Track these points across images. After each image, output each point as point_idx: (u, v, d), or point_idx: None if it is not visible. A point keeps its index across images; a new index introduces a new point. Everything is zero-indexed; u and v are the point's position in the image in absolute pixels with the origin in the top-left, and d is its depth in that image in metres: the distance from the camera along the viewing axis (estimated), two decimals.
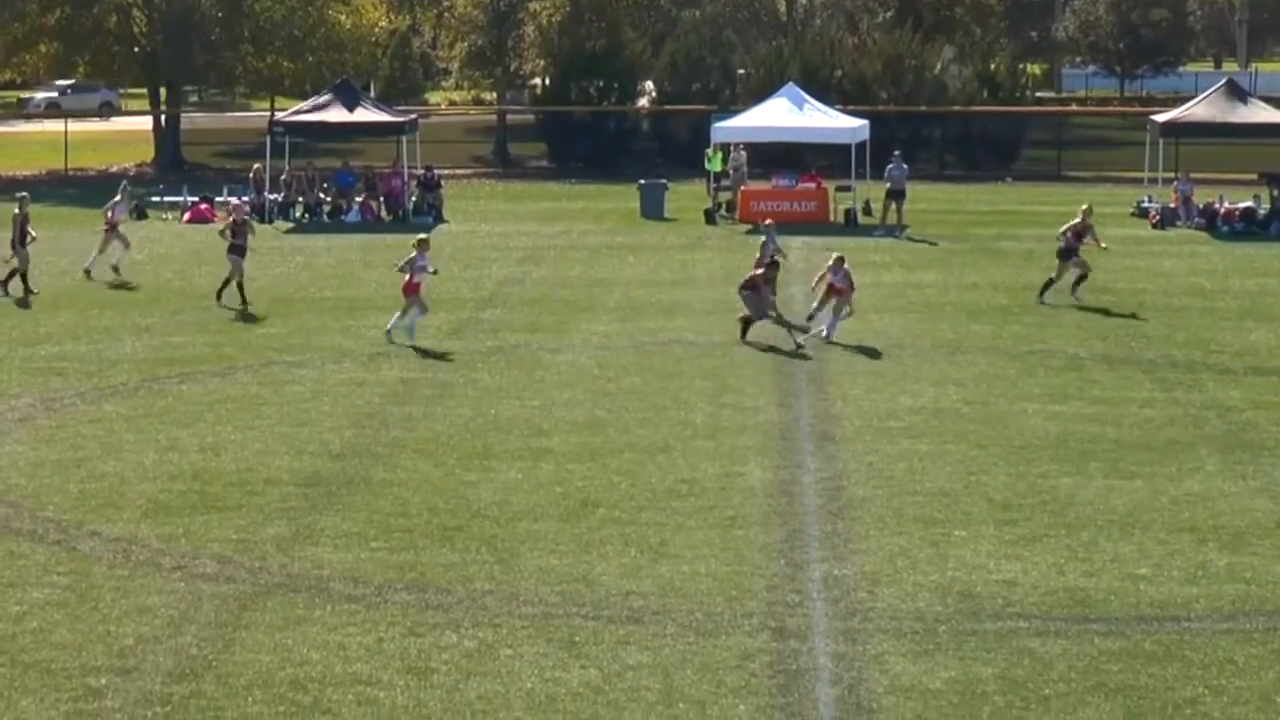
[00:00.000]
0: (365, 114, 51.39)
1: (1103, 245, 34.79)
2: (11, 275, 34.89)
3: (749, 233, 46.08)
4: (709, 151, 51.37)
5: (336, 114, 50.89)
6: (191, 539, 18.52)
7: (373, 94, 66.90)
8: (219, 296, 33.38)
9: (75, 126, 67.25)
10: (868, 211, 48.34)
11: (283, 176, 50.92)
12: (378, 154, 56.53)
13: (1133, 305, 33.55)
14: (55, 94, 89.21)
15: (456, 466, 21.47)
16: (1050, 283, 34.04)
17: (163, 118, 67.96)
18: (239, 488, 20.48)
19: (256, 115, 72.71)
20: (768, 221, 34.11)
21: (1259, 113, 50.33)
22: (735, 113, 54.50)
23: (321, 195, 50.53)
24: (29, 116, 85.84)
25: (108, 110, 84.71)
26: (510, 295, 35.23)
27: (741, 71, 71.08)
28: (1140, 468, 21.53)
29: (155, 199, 51.72)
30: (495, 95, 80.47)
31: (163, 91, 68.94)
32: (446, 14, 78.36)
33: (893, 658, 15.10)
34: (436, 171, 51.83)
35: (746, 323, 29.55)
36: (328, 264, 39.95)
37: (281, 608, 16.35)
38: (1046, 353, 28.99)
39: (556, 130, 68.48)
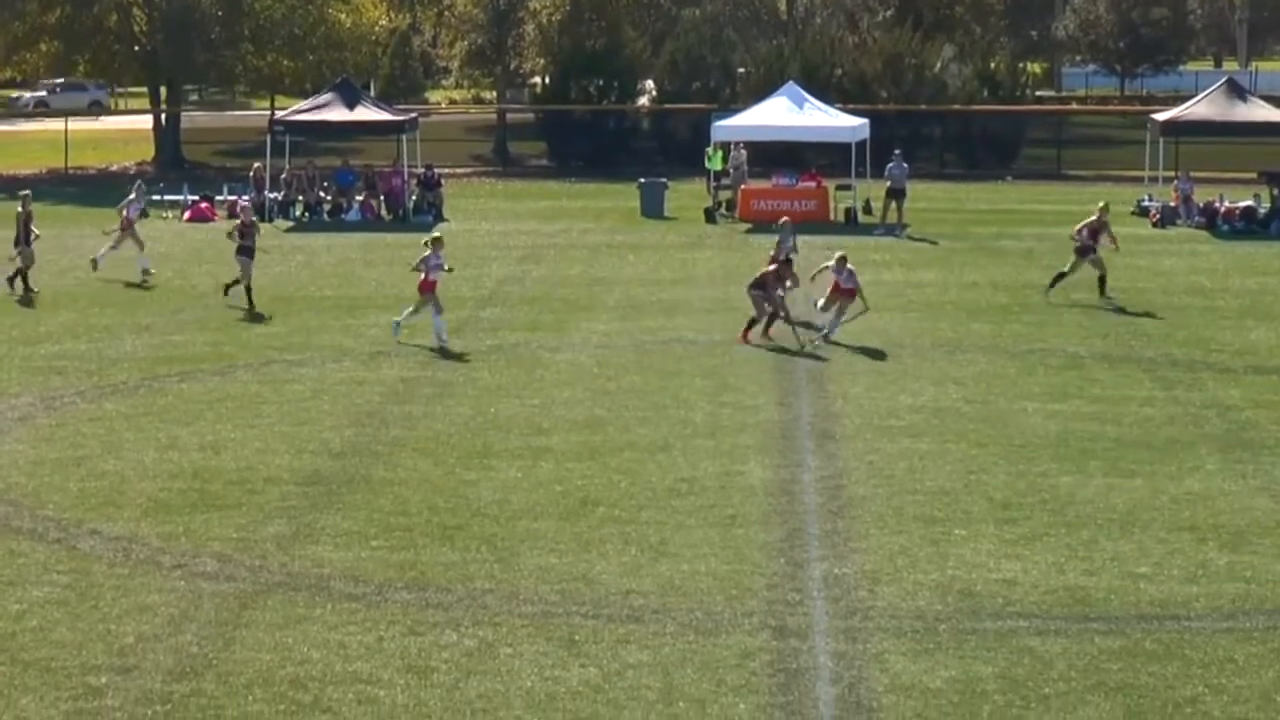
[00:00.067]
0: (365, 113, 51.40)
1: (1116, 246, 34.73)
2: (17, 274, 34.91)
3: (749, 231, 46.13)
4: (709, 150, 51.38)
5: (336, 113, 50.91)
6: (192, 537, 18.52)
7: (373, 93, 66.97)
8: (226, 291, 33.36)
9: (74, 125, 67.23)
10: (868, 210, 48.34)
11: (283, 175, 50.95)
12: (378, 153, 56.56)
13: (1133, 304, 33.54)
14: (44, 93, 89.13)
15: (456, 465, 21.47)
16: (1062, 275, 34.04)
17: (163, 116, 67.93)
18: (239, 486, 20.48)
19: (257, 114, 72.71)
20: (784, 220, 34.06)
21: (1259, 111, 50.33)
22: (735, 111, 54.50)
23: (322, 194, 50.54)
24: (18, 115, 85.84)
25: (97, 109, 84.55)
26: (510, 294, 35.24)
27: (741, 70, 71.09)
28: (1140, 466, 21.53)
29: (155, 198, 51.62)
30: (495, 94, 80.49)
31: (163, 90, 68.93)
32: (446, 13, 78.38)
33: (893, 656, 15.10)
34: (436, 170, 51.84)
35: (770, 320, 29.31)
36: (328, 263, 39.95)
37: (282, 606, 16.35)
38: (1046, 351, 28.99)
39: (556, 129, 68.49)
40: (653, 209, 49.94)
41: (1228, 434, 23.37)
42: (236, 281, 33.15)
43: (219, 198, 51.39)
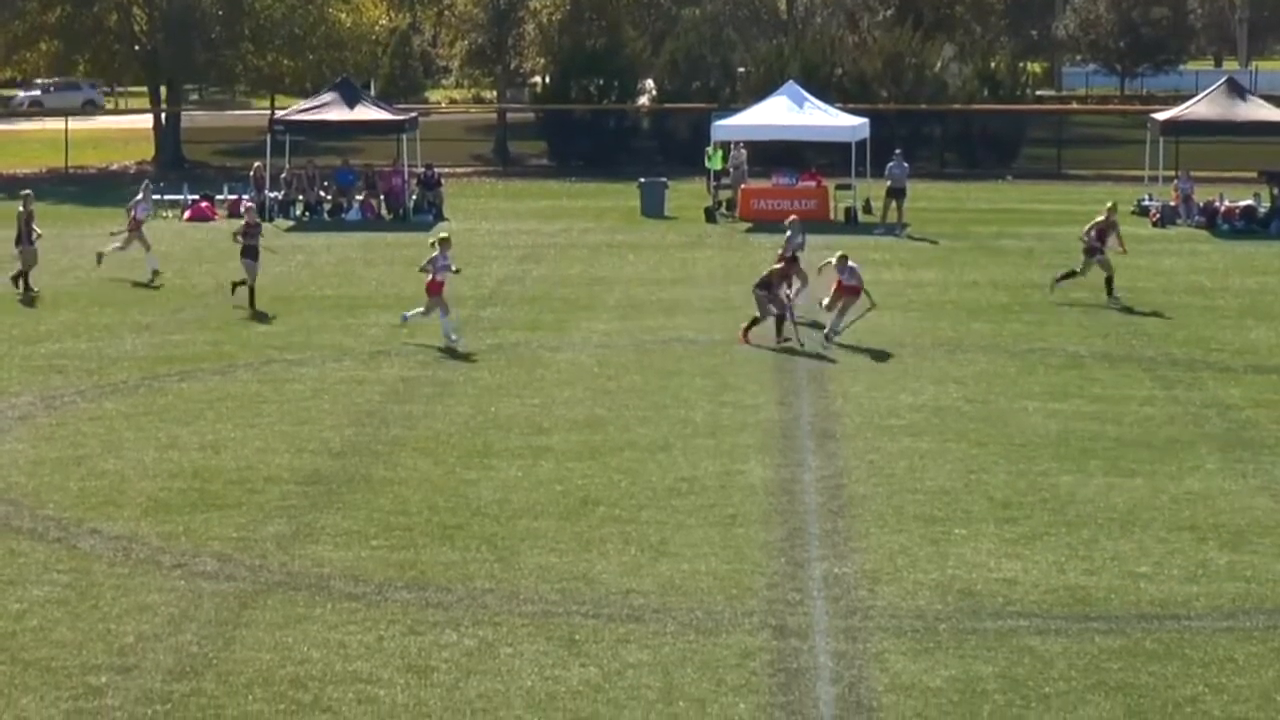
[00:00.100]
0: (365, 112, 51.39)
1: (1124, 249, 34.68)
2: (21, 274, 34.93)
3: (749, 231, 46.13)
4: (709, 150, 51.38)
5: (337, 112, 50.91)
6: (192, 537, 18.52)
7: (373, 92, 66.96)
8: (233, 290, 33.25)
9: (73, 125, 67.21)
10: (868, 210, 48.33)
11: (283, 175, 50.95)
12: (378, 152, 56.56)
13: (1133, 303, 33.54)
14: (38, 92, 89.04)
15: (457, 465, 21.47)
16: (1072, 274, 34.04)
17: (163, 116, 67.92)
18: (239, 486, 20.48)
19: (257, 113, 72.69)
20: (793, 217, 34.00)
21: (1259, 111, 50.33)
22: (735, 111, 54.49)
23: (322, 193, 50.54)
24: (14, 115, 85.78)
25: (91, 108, 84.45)
26: (510, 293, 35.23)
27: (742, 70, 71.08)
28: (1140, 466, 21.53)
29: (156, 197, 51.61)
30: (495, 93, 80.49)
31: (163, 90, 68.93)
32: (447, 12, 78.38)
33: (893, 656, 15.10)
34: (437, 170, 51.84)
35: (780, 323, 29.13)
36: (328, 262, 39.95)
37: (282, 606, 16.35)
38: (1047, 350, 28.99)
39: (557, 128, 68.49)
40: (653, 208, 49.94)
41: (1228, 433, 23.37)
42: (243, 282, 33.07)
43: (219, 197, 51.40)
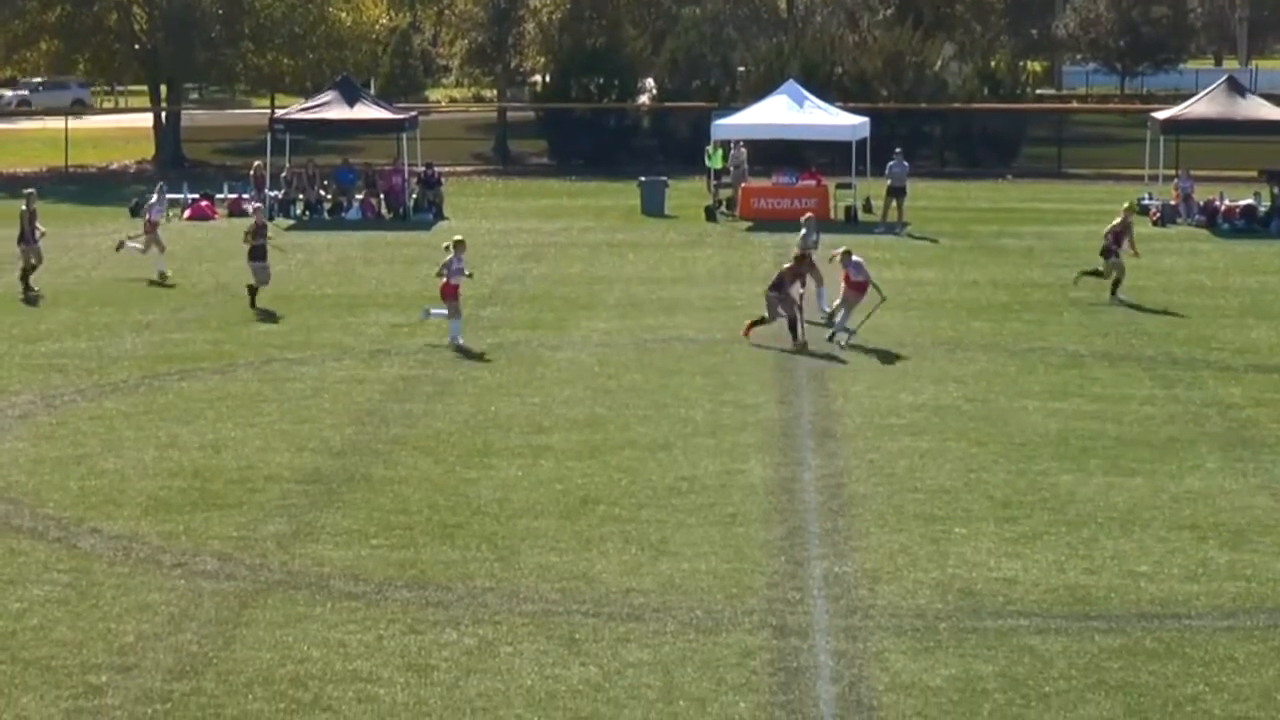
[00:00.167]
0: (365, 111, 51.38)
1: (1135, 253, 34.66)
2: (32, 271, 34.97)
3: (749, 230, 46.13)
4: (709, 149, 51.36)
5: (337, 111, 50.92)
6: (192, 536, 18.52)
7: (373, 91, 66.95)
8: (252, 303, 33.00)
9: (53, 124, 67.30)
10: (868, 209, 48.33)
11: (283, 174, 50.96)
12: (378, 151, 56.56)
13: (1133, 302, 33.53)
14: (26, 91, 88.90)
15: (457, 464, 21.47)
16: (1096, 272, 34.07)
17: (163, 115, 67.93)
18: (239, 485, 20.48)
19: (257, 112, 72.72)
20: (808, 215, 33.82)
21: (1259, 110, 50.33)
22: (735, 110, 54.47)
23: (322, 192, 50.55)
24: (1, 114, 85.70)
25: (80, 107, 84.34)
26: (510, 292, 35.22)
27: (742, 69, 71.07)
28: (1141, 465, 21.52)
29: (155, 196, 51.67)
30: (495, 92, 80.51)
31: (163, 89, 68.93)
32: (447, 11, 78.40)
33: (893, 655, 15.10)
34: (437, 169, 51.83)
35: (795, 327, 28.87)
36: (328, 261, 39.93)
37: (282, 605, 16.35)
38: (1047, 350, 28.99)
39: (557, 127, 68.49)
40: (653, 207, 49.93)
41: (1228, 432, 23.37)
42: (261, 285, 32.95)
43: (219, 196, 51.40)
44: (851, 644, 15.35)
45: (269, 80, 72.01)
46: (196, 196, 50.99)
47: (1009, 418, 24.01)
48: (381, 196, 50.09)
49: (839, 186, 49.17)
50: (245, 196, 50.87)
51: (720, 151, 51.03)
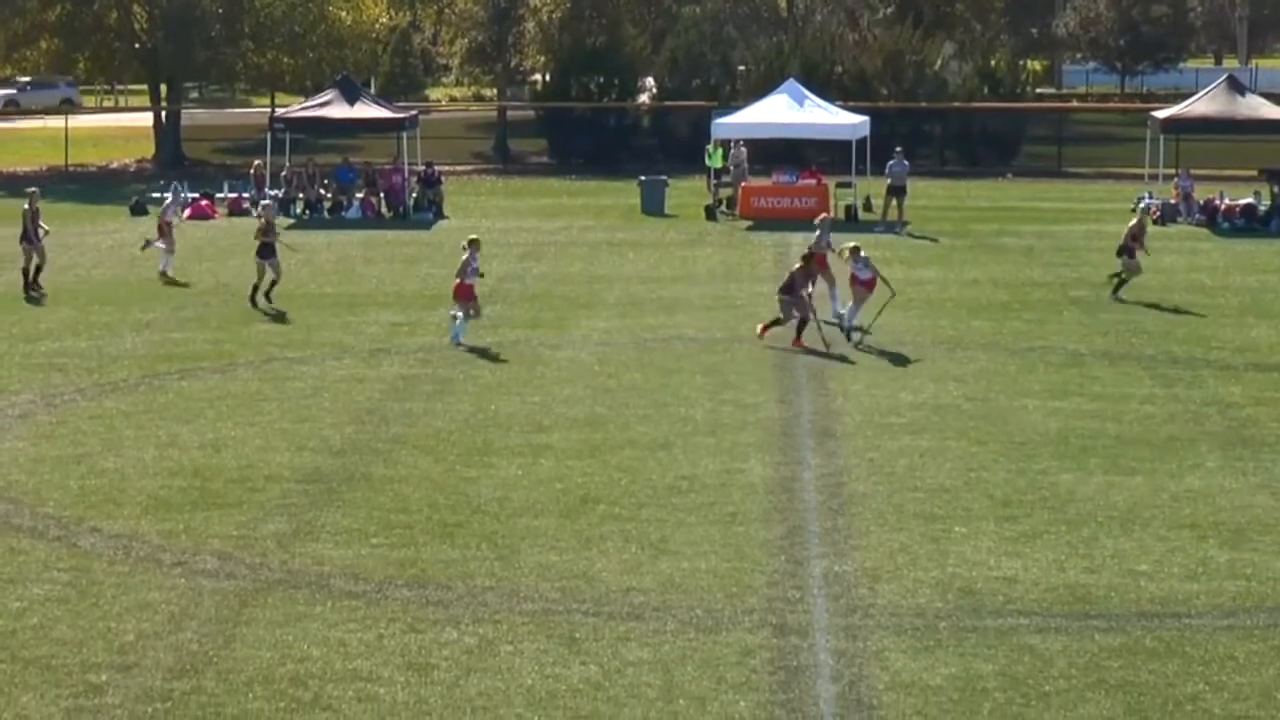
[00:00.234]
0: (365, 110, 51.39)
1: (1146, 251, 34.66)
2: (38, 271, 34.99)
3: (750, 229, 46.13)
4: (709, 148, 51.35)
5: (337, 110, 50.94)
6: (192, 535, 18.53)
7: (373, 90, 66.94)
8: (269, 299, 32.90)
9: (53, 123, 67.26)
10: (868, 208, 48.33)
11: (283, 173, 50.95)
12: (378, 150, 56.56)
13: (1133, 301, 33.53)
14: (14, 91, 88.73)
15: (457, 463, 21.47)
16: (1122, 280, 34.08)
17: (163, 114, 67.92)
18: (239, 484, 20.49)
19: (257, 111, 72.68)
20: (822, 215, 33.72)
21: (1259, 109, 50.33)
22: (736, 109, 54.45)
23: (322, 191, 50.53)
24: None
25: (68, 106, 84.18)
26: (510, 291, 35.21)
27: (742, 68, 71.05)
28: (1141, 464, 21.53)
29: (155, 195, 51.69)
30: (496, 91, 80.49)
31: (163, 88, 68.92)
32: (447, 10, 78.37)
33: (893, 654, 15.10)
34: (437, 168, 51.84)
35: (801, 327, 28.73)
36: (328, 260, 39.92)
37: (282, 604, 16.35)
38: (1047, 349, 28.99)
39: (557, 126, 68.46)
40: (653, 206, 49.92)
41: (1228, 431, 23.37)
42: (273, 284, 32.97)
43: (219, 195, 51.40)
44: (851, 643, 15.35)
45: (269, 79, 72.00)
46: (196, 196, 50.98)
47: (1009, 417, 24.01)
48: (381, 195, 50.09)
49: (839, 185, 49.14)
50: (245, 196, 50.88)
51: (720, 150, 51.02)
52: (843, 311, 30.51)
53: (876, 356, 28.26)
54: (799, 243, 40.56)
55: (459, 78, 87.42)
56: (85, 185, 59.26)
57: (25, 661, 14.88)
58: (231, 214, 49.41)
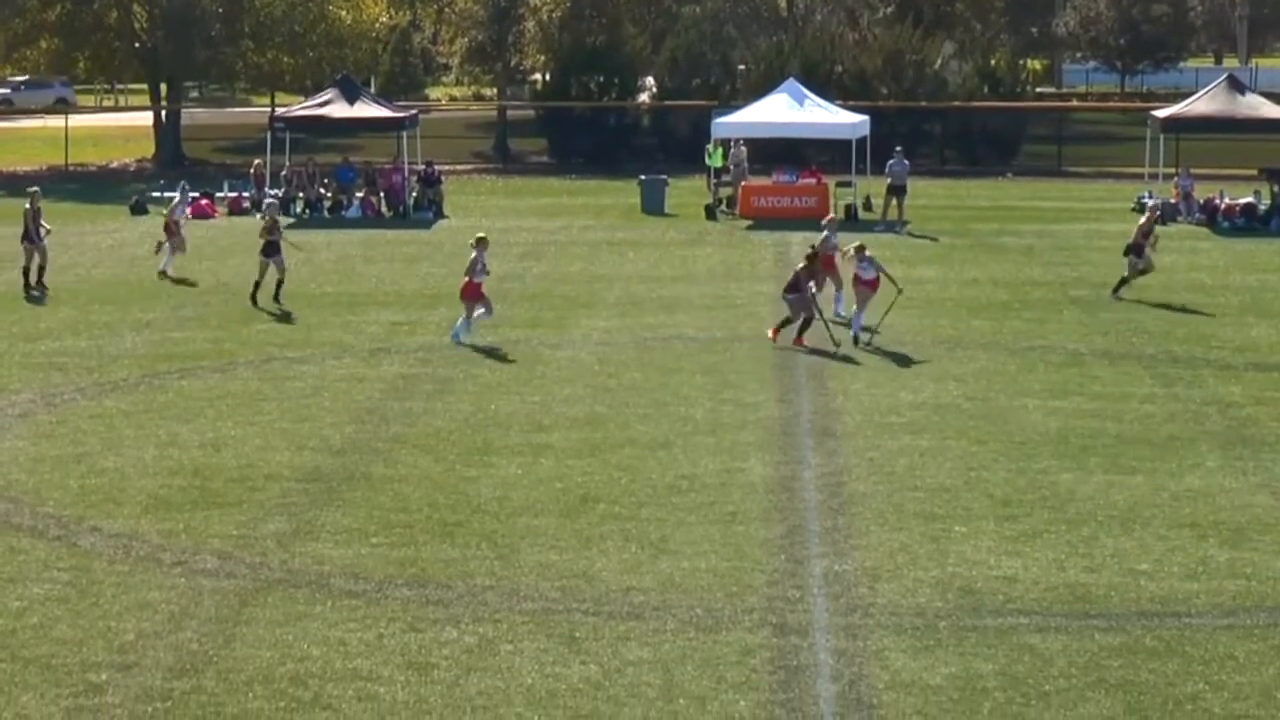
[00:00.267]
0: (365, 109, 51.40)
1: (1154, 249, 34.68)
2: (41, 271, 35.00)
3: (750, 228, 46.14)
4: (709, 147, 51.36)
5: (337, 109, 50.93)
6: (192, 534, 18.52)
7: (373, 89, 66.94)
8: (278, 299, 32.88)
9: (53, 122, 67.22)
10: (868, 207, 48.33)
11: (283, 172, 50.95)
12: (378, 149, 56.58)
13: (1133, 300, 33.53)
14: (8, 90, 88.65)
15: (457, 462, 21.47)
16: (1142, 272, 34.02)
17: (163, 113, 67.93)
18: (239, 483, 20.48)
19: (257, 110, 72.69)
20: (830, 217, 33.70)
21: (1259, 108, 50.33)
22: (736, 108, 54.46)
23: (322, 191, 50.55)
24: None
25: (62, 106, 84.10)
26: (510, 291, 35.19)
27: (742, 67, 71.05)
28: (1141, 463, 21.52)
29: (155, 195, 51.73)
30: (496, 91, 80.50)
31: (163, 87, 68.92)
32: (447, 9, 78.37)
33: (893, 653, 15.10)
34: (437, 167, 51.84)
35: (804, 326, 28.65)
36: (328, 259, 39.92)
37: (282, 603, 16.35)
38: (1047, 348, 28.99)
39: (557, 126, 68.47)
40: (653, 206, 49.92)
41: (1228, 431, 23.37)
42: (280, 283, 32.96)
43: (219, 194, 51.40)
44: (851, 642, 15.35)
45: (269, 78, 72.01)
46: (197, 195, 50.93)
47: (1009, 416, 24.01)
48: (381, 195, 50.10)
49: (839, 185, 49.15)
50: (245, 195, 50.88)
51: (720, 150, 51.03)
52: (844, 313, 30.46)
53: (876, 356, 28.25)
54: (799, 242, 40.62)
55: (459, 77, 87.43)
56: (85, 185, 59.26)
57: (25, 661, 14.88)
58: (231, 213, 49.43)
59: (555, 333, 30.46)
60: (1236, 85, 51.06)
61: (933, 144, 64.98)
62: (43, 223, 35.32)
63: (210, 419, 23.76)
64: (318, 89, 55.45)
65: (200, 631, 15.56)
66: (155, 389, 25.85)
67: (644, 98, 71.26)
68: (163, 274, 36.70)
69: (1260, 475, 21.04)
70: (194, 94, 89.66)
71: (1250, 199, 47.47)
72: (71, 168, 63.72)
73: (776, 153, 54.77)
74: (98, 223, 47.30)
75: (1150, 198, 49.06)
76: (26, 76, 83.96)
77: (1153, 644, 15.39)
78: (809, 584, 16.93)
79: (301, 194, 50.28)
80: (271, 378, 26.59)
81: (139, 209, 49.66)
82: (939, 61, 68.61)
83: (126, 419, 23.83)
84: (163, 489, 20.26)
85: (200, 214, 48.95)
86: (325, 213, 49.40)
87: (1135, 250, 34.08)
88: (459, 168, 62.64)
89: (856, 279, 29.52)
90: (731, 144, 50.88)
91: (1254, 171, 51.89)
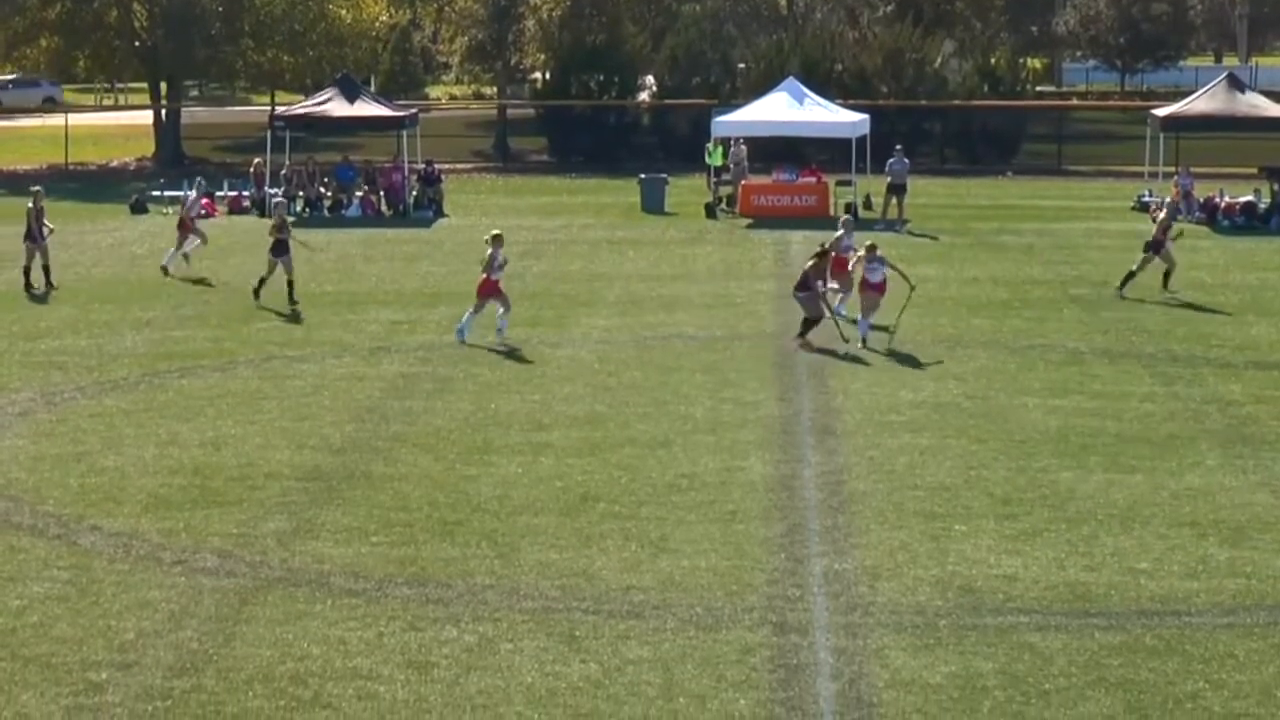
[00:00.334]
0: (365, 108, 51.36)
1: (1168, 243, 34.71)
2: (47, 271, 35.01)
3: (750, 227, 46.14)
4: (709, 146, 51.37)
5: (337, 108, 50.90)
6: (192, 533, 18.53)
7: (373, 88, 66.93)
8: (291, 300, 32.90)
9: (53, 121, 67.15)
10: (868, 206, 48.31)
11: (283, 171, 50.94)
12: (378, 148, 56.57)
13: (1133, 299, 33.53)
14: None
15: (457, 461, 21.47)
16: (1166, 274, 34.02)
17: (163, 112, 67.93)
18: (239, 482, 20.49)
19: (257, 109, 72.69)
20: (845, 218, 33.65)
21: (1259, 106, 50.31)
22: (736, 107, 54.44)
23: (322, 190, 50.55)
24: None
25: (51, 105, 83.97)
26: (510, 290, 35.01)
27: (742, 66, 71.06)
28: (1141, 462, 21.53)
29: (155, 193, 51.73)
30: (495, 89, 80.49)
31: (163, 86, 68.93)
32: (447, 8, 78.36)
33: (893, 652, 15.10)
34: (437, 166, 51.84)
35: (807, 324, 28.57)
36: (328, 259, 39.89)
37: (282, 602, 16.36)
38: (1047, 347, 28.99)
39: (557, 124, 68.46)
40: (653, 204, 49.93)
41: (1228, 429, 23.37)
42: (290, 283, 32.97)
43: (219, 194, 51.38)
44: (851, 641, 15.35)
45: (269, 77, 72.00)
46: (211, 192, 50.94)
47: (1009, 415, 24.02)
48: (381, 194, 50.11)
49: (839, 184, 49.14)
50: (245, 194, 50.88)
51: (720, 149, 51.05)
52: (844, 313, 30.41)
53: (877, 355, 28.25)
54: (799, 241, 40.68)
55: (459, 76, 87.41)
56: (85, 184, 59.25)
57: (25, 659, 14.88)
58: (231, 212, 49.44)
59: (555, 331, 30.46)
60: (1236, 84, 51.04)
61: (933, 143, 65.00)
62: (46, 222, 35.36)
63: (210, 418, 23.76)
64: (318, 88, 55.43)
65: (200, 630, 15.56)
66: (155, 388, 25.86)
67: (644, 96, 71.27)
68: (164, 270, 36.72)
69: (1260, 474, 21.04)
70: (194, 93, 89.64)
71: (1250, 197, 47.46)
72: (71, 166, 63.71)
73: (776, 151, 54.76)
74: (98, 221, 47.30)
75: (1150, 196, 49.13)
76: (15, 75, 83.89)
77: (1153, 642, 15.40)
78: (809, 582, 16.93)
79: (301, 193, 50.25)
80: (272, 376, 26.59)
81: (139, 208, 49.67)
82: (939, 60, 68.61)
83: (126, 418, 23.84)
84: (163, 488, 20.26)
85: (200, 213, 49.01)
86: (325, 212, 49.40)
87: (1155, 247, 34.06)
88: (459, 166, 62.64)
89: (864, 283, 29.32)
90: (731, 143, 50.89)
91: (1254, 170, 51.89)
